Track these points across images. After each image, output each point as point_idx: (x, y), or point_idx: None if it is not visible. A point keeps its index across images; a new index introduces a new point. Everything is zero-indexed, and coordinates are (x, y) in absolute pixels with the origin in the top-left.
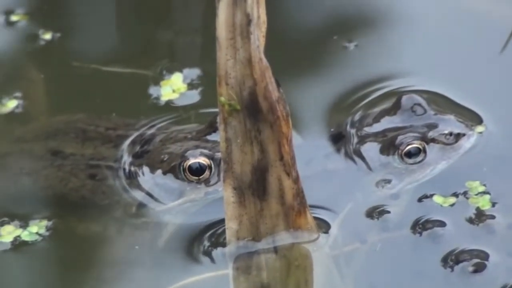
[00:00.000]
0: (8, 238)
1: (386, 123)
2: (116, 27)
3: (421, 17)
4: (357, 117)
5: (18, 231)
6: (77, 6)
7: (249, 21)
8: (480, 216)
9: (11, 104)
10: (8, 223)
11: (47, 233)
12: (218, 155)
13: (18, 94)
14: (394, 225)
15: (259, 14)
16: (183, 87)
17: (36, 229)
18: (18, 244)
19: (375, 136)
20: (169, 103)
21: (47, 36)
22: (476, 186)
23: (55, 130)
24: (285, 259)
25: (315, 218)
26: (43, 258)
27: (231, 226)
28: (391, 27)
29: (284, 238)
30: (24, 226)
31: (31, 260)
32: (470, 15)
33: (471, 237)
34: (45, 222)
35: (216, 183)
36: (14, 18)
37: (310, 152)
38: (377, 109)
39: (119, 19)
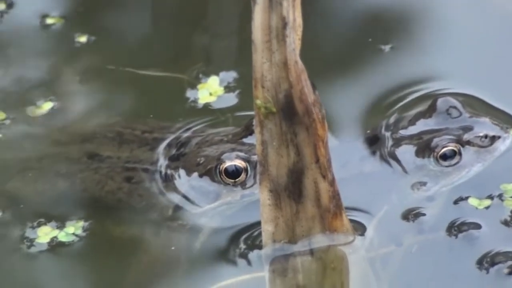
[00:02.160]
0: (45, 239)
1: (422, 125)
2: (151, 30)
3: (457, 19)
4: (392, 119)
5: (55, 232)
6: (113, 9)
7: (284, 24)
8: None
9: (47, 106)
10: (45, 224)
11: (84, 234)
12: (254, 157)
13: (53, 96)
14: (430, 227)
15: (295, 17)
16: (220, 90)
17: (72, 230)
18: (54, 245)
19: (411, 138)
20: (206, 106)
21: (83, 39)
22: (511, 188)
23: (92, 133)
24: (321, 261)
25: (351, 221)
26: (79, 259)
27: (267, 229)
28: (426, 29)
29: (320, 241)
30: (61, 227)
31: (67, 261)
32: (506, 17)
33: (506, 239)
34: (81, 223)
35: (252, 185)
36: (49, 21)
37: (346, 155)
38: (413, 112)
39: (155, 22)
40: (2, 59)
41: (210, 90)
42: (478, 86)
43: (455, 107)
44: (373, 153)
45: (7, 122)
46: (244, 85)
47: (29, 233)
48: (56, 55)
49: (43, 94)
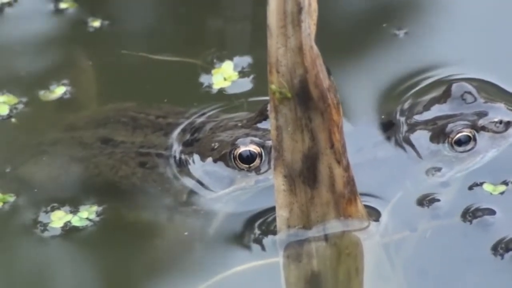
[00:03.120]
0: (58, 224)
1: (436, 111)
2: (165, 15)
3: (472, 4)
4: (407, 105)
5: (69, 217)
6: None
7: (300, 9)
8: None
9: (59, 90)
10: (59, 208)
11: (97, 219)
12: (269, 143)
13: (66, 81)
14: (444, 213)
15: (310, 2)
16: (234, 75)
17: (86, 215)
18: (68, 230)
19: (425, 124)
20: (221, 91)
21: (96, 23)
22: None
23: (106, 118)
24: (336, 247)
25: (366, 206)
26: (93, 244)
27: (281, 214)
28: (441, 14)
29: (334, 226)
30: (75, 211)
31: (80, 246)
32: None
33: None
34: (95, 208)
35: (266, 171)
36: (63, 5)
37: (360, 140)
38: (427, 97)
39: (169, 7)
40: (15, 44)
41: (225, 75)
42: (492, 72)
43: (469, 93)
44: (388, 138)
45: (20, 106)
46: (258, 70)
47: (42, 217)
48: (69, 39)
49: (56, 78)
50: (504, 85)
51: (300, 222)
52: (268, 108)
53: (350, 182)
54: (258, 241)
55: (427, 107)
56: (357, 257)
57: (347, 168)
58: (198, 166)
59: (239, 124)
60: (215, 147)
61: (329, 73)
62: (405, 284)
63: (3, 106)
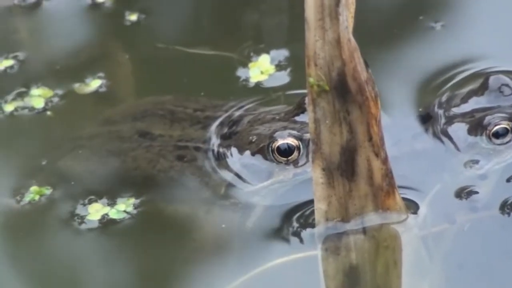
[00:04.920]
0: (95, 216)
1: (474, 103)
2: (201, 8)
3: None
4: (444, 97)
5: (106, 209)
6: None
7: (337, 2)
8: None
9: (95, 84)
10: (96, 201)
11: (135, 212)
12: (307, 136)
13: (101, 74)
14: (482, 205)
15: None
16: (271, 68)
17: (124, 207)
18: (105, 222)
19: (463, 116)
20: (258, 84)
21: (133, 17)
22: None
23: (143, 112)
24: (374, 240)
25: (404, 199)
26: (130, 237)
27: (320, 207)
28: (478, 6)
29: (372, 219)
30: (112, 204)
31: (118, 239)
32: None
33: None
34: (132, 201)
35: (304, 164)
36: None
37: (398, 133)
38: (465, 90)
39: (204, 0)
40: (53, 37)
41: (262, 69)
42: None
43: (507, 85)
44: (426, 131)
45: (55, 99)
46: (295, 64)
47: (80, 210)
48: (105, 33)
49: (91, 72)
50: None
51: (338, 215)
52: (306, 101)
53: (388, 174)
54: (297, 234)
55: (464, 100)
56: (395, 250)
57: (385, 161)
58: (236, 159)
59: (277, 117)
60: (253, 140)
61: (367, 65)
62: (444, 277)
63: (39, 99)
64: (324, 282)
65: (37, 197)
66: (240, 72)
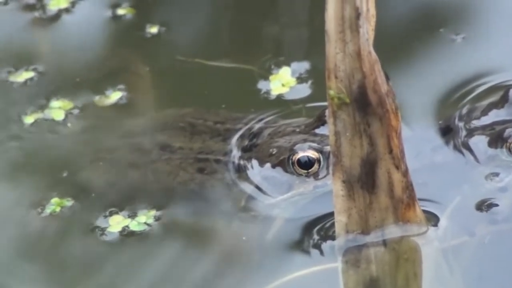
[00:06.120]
0: (116, 228)
1: (494, 116)
2: (221, 21)
3: None
4: (465, 110)
5: (127, 221)
6: (184, 0)
7: (358, 15)
8: None
9: (115, 96)
10: (117, 213)
11: (156, 224)
12: (327, 148)
13: (121, 86)
14: (503, 218)
15: (368, 7)
16: (292, 81)
17: (144, 219)
18: (126, 234)
19: (483, 129)
20: (279, 97)
21: (153, 29)
22: None
23: (163, 124)
24: (394, 252)
25: (424, 211)
26: (150, 249)
27: (340, 220)
28: (498, 19)
29: (393, 231)
30: (133, 216)
31: (139, 251)
32: None
33: None
34: (153, 213)
35: (325, 176)
36: (120, 11)
37: (419, 145)
38: (485, 102)
39: (225, 13)
40: (73, 49)
41: (282, 81)
42: None
43: None
44: (446, 143)
45: (76, 111)
46: (316, 76)
47: (100, 222)
48: (126, 45)
49: (111, 84)
50: None
51: (359, 227)
52: (326, 113)
53: (408, 187)
54: (317, 247)
55: (484, 112)
56: (416, 262)
57: (405, 173)
58: (256, 171)
59: (297, 130)
60: (274, 152)
61: (387, 78)
62: None
63: (59, 111)
64: None
65: (58, 209)
66: (261, 85)
